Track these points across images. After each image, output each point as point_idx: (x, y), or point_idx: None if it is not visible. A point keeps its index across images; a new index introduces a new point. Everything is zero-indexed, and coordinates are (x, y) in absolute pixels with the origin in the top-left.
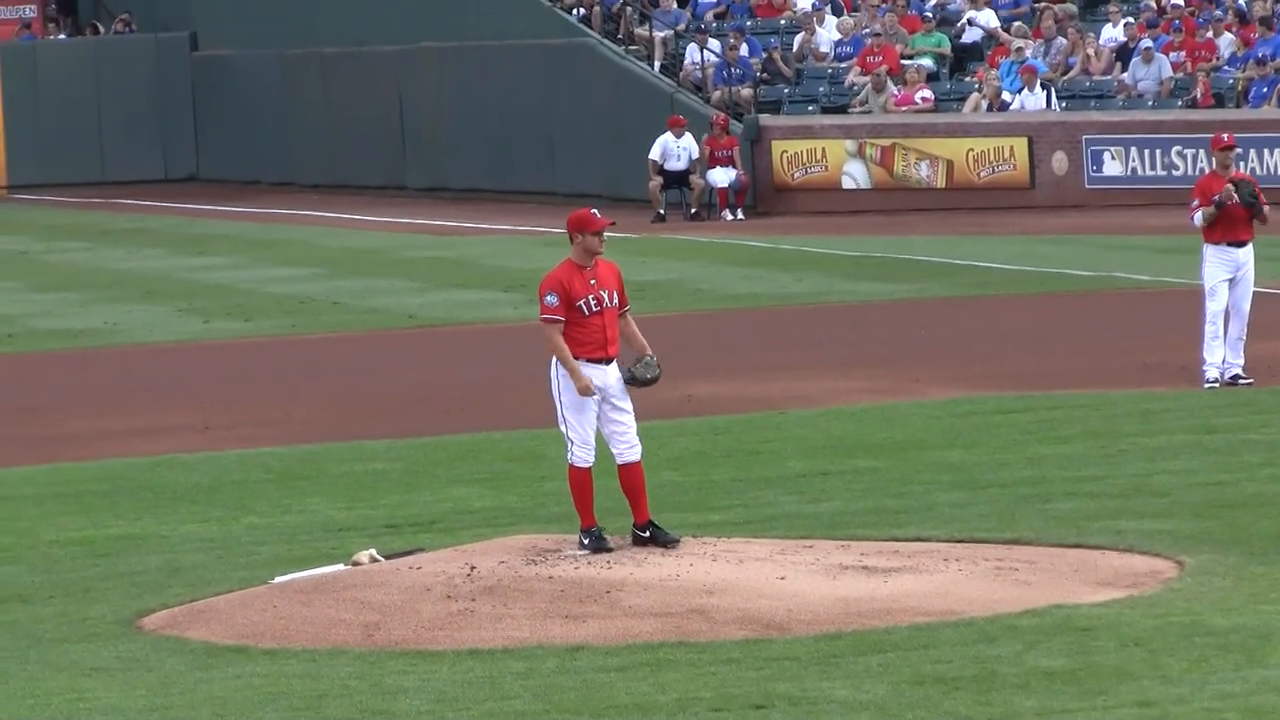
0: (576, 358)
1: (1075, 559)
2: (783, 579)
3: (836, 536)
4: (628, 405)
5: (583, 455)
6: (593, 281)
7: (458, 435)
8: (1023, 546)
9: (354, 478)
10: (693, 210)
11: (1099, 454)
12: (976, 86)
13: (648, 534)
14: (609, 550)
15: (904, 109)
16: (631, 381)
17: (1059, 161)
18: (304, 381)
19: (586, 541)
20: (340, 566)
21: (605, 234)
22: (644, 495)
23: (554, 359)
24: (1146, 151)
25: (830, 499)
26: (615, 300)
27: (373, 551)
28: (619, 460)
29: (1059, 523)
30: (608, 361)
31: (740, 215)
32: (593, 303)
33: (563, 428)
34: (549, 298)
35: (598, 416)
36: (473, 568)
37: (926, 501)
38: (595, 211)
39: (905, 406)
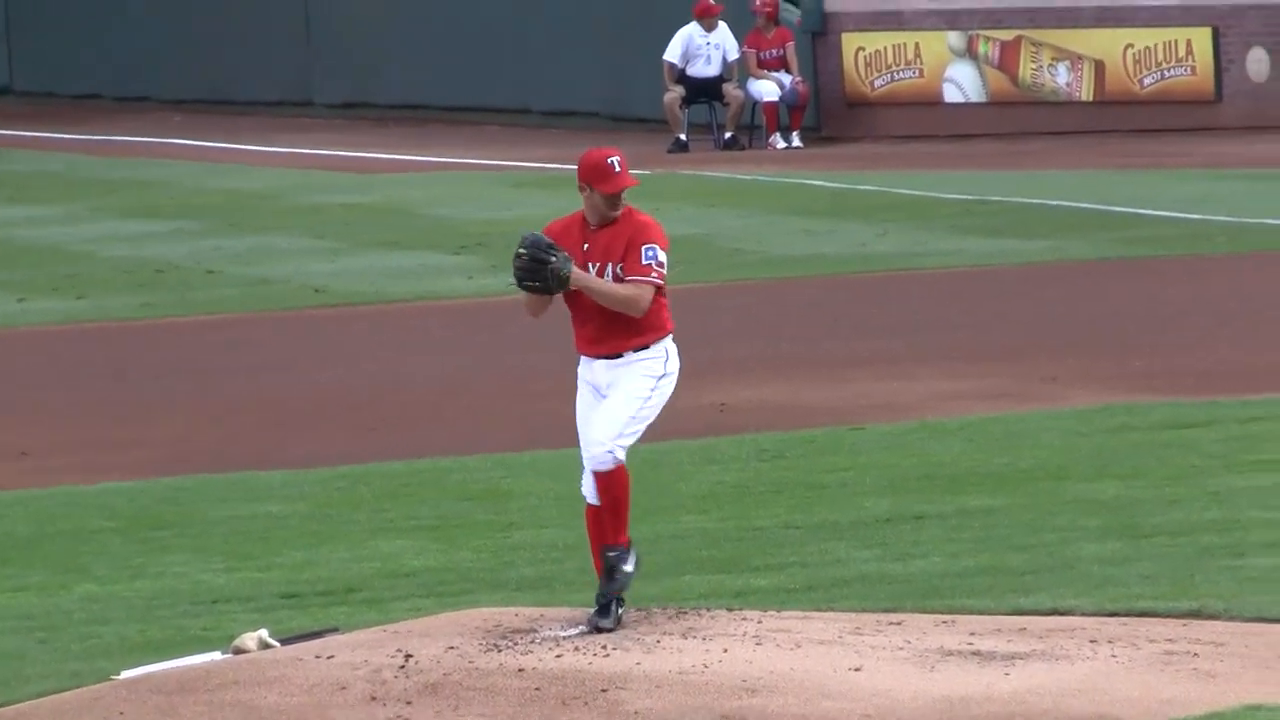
0: (578, 351)
1: None
2: (858, 670)
3: (935, 609)
4: (615, 405)
5: (585, 485)
6: (586, 246)
7: (387, 463)
8: (1205, 622)
9: (237, 526)
10: (728, 135)
11: None
12: None
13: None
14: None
15: None
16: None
17: (1257, 63)
18: (164, 386)
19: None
20: (217, 655)
21: (623, 197)
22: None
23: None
24: None
25: (926, 554)
26: (611, 277)
27: (263, 633)
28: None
29: (1257, 586)
30: (602, 358)
31: (797, 141)
32: None
33: None
34: None
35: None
36: (408, 656)
37: (1066, 557)
38: (616, 161)
39: (1036, 418)
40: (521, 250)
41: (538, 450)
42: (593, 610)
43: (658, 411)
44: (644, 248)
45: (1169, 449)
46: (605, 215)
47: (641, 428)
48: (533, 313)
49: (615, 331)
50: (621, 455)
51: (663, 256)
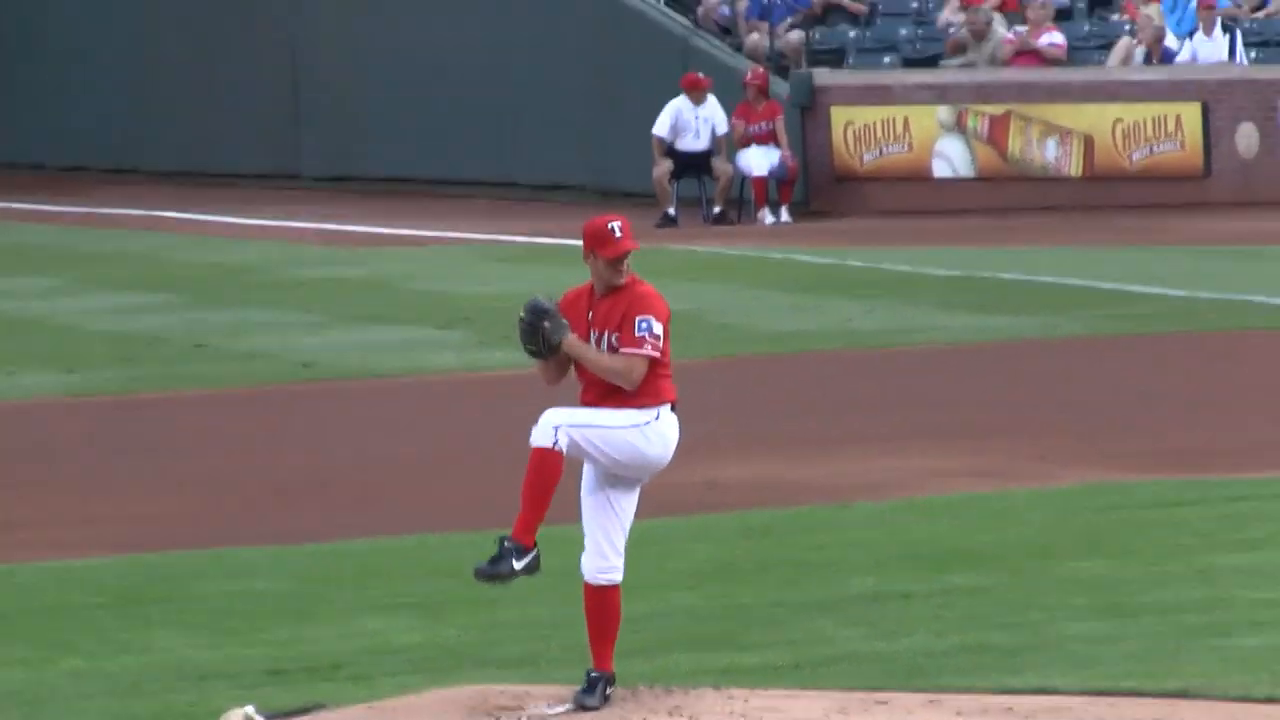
0: None
1: (1266, 719)
2: None
3: (921, 688)
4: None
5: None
6: (591, 315)
7: (373, 539)
8: (1191, 701)
9: (222, 602)
10: (716, 210)
11: None
12: (1128, 28)
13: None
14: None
15: (1022, 62)
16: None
17: (1247, 138)
18: (150, 460)
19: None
20: None
21: (627, 262)
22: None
23: None
24: None
25: (912, 632)
26: (606, 346)
27: (249, 710)
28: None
29: (1243, 667)
30: None
31: (786, 216)
32: None
33: None
34: None
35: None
36: None
37: (1052, 635)
38: (617, 227)
39: (1022, 496)
40: (521, 314)
41: None
42: (579, 688)
43: (623, 452)
44: (638, 319)
45: (1156, 528)
46: (609, 282)
47: (594, 439)
48: (546, 380)
49: (612, 398)
50: (562, 440)
51: (658, 328)
